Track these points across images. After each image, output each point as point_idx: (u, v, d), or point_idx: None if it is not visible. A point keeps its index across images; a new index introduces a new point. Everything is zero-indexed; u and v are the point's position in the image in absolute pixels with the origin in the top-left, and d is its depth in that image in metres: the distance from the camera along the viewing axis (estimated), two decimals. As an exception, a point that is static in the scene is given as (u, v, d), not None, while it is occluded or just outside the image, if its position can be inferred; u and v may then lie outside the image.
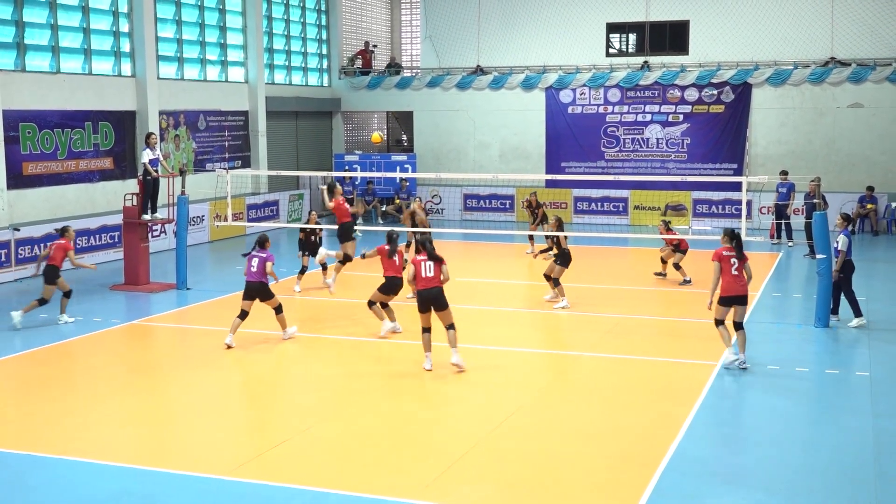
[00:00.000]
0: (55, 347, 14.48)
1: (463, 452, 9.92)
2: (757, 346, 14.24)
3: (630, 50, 30.83)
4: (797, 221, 24.33)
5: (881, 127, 27.50)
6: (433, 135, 31.75)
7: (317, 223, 19.18)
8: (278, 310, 14.66)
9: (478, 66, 31.41)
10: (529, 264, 21.97)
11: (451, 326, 12.86)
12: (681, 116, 29.17)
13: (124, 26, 23.65)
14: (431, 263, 12.81)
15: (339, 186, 18.60)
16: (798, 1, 28.21)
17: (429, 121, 31.78)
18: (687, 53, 29.62)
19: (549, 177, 24.94)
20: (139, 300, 18.04)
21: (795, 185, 24.17)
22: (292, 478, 9.29)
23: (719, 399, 11.88)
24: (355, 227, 18.47)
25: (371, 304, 14.71)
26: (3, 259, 19.53)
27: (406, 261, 19.38)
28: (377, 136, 20.28)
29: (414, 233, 17.88)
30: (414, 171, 29.71)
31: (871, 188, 26.76)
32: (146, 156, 18.84)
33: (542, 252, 19.35)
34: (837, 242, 15.36)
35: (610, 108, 29.82)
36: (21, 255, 19.91)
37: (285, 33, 30.81)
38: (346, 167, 30.13)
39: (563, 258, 17.05)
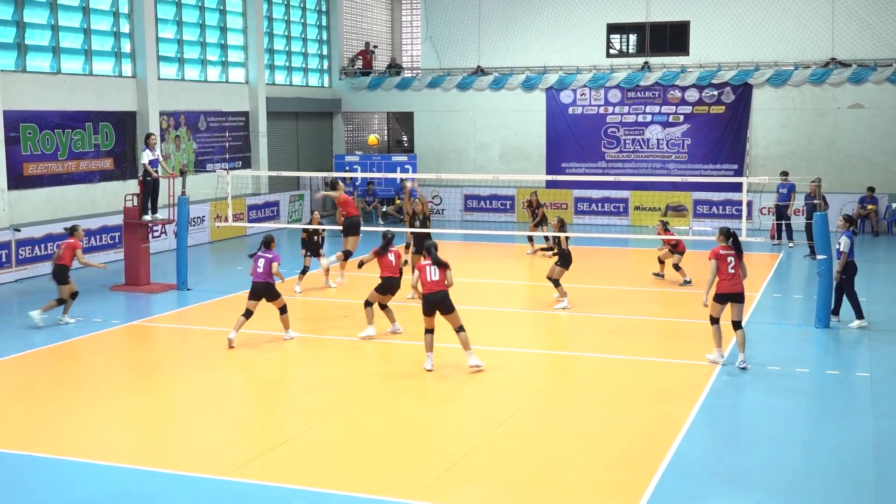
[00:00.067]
0: (55, 348, 14.48)
1: (463, 453, 9.92)
2: (757, 347, 14.25)
3: (630, 50, 30.83)
4: (798, 222, 24.33)
5: (882, 128, 27.50)
6: (434, 135, 31.75)
7: (319, 223, 19.19)
8: (283, 310, 14.70)
9: (478, 66, 31.42)
10: (530, 265, 21.99)
11: (460, 329, 12.88)
12: (681, 117, 29.18)
13: (125, 27, 23.66)
14: (436, 268, 12.83)
15: (340, 183, 18.59)
16: (799, 1, 28.21)
17: (429, 121, 31.79)
18: (687, 54, 29.62)
19: (550, 177, 24.98)
20: (140, 301, 18.05)
21: (796, 185, 24.17)
22: (293, 478, 9.29)
23: (719, 399, 11.88)
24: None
25: (367, 304, 14.70)
26: (3, 260, 19.54)
27: (405, 261, 19.39)
28: (373, 138, 20.20)
29: (412, 233, 17.85)
30: (414, 171, 29.70)
31: (871, 189, 26.76)
32: (146, 157, 18.86)
33: (542, 250, 19.35)
34: (840, 244, 15.35)
35: (610, 109, 29.82)
36: (22, 255, 19.91)
37: (286, 34, 30.82)
38: (347, 168, 30.13)
39: (564, 259, 17.04)
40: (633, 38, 30.90)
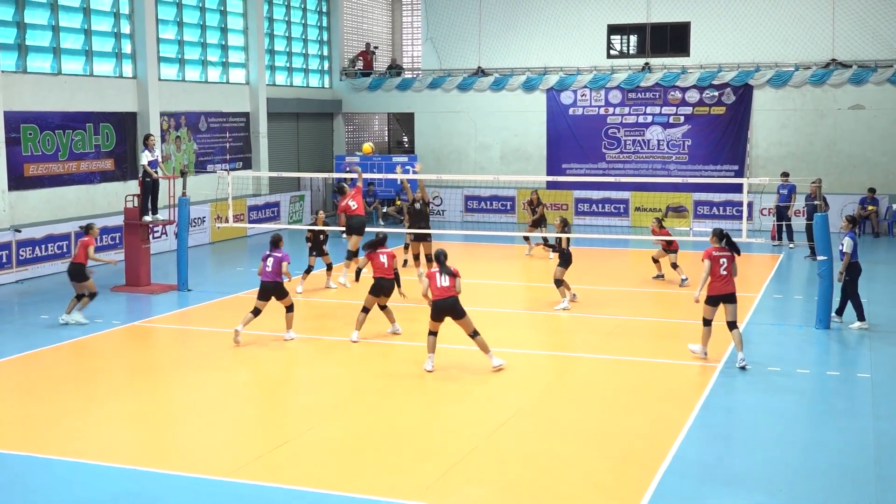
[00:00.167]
0: (56, 349, 14.48)
1: (464, 453, 9.92)
2: (758, 348, 14.25)
3: (631, 51, 30.83)
4: (798, 223, 24.33)
5: (882, 128, 27.50)
6: (434, 136, 31.75)
7: (325, 224, 19.21)
8: (289, 309, 14.77)
9: (479, 67, 31.42)
10: (530, 266, 21.98)
11: (475, 333, 12.92)
12: (682, 118, 29.18)
13: (125, 28, 23.67)
14: (446, 275, 12.86)
15: (346, 187, 18.61)
16: (799, 2, 28.21)
17: (430, 122, 31.79)
18: (688, 55, 29.62)
19: (550, 178, 24.96)
20: (140, 301, 18.05)
21: (796, 186, 24.16)
22: (293, 479, 9.29)
23: (720, 401, 11.87)
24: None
25: (364, 309, 14.68)
26: (4, 260, 19.54)
27: (405, 262, 19.37)
28: (368, 147, 20.17)
29: (413, 216, 17.94)
30: (415, 172, 29.64)
31: (872, 190, 26.75)
32: (145, 158, 18.88)
33: (544, 245, 19.43)
34: (842, 244, 15.35)
35: (611, 110, 29.82)
36: (22, 256, 19.92)
37: (286, 35, 30.83)
38: (347, 169, 30.12)
39: (564, 259, 17.06)
40: (633, 38, 30.90)
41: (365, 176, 25.94)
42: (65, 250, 20.89)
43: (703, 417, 11.18)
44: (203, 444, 10.46)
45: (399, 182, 29.27)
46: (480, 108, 31.16)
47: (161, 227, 22.20)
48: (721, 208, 28.18)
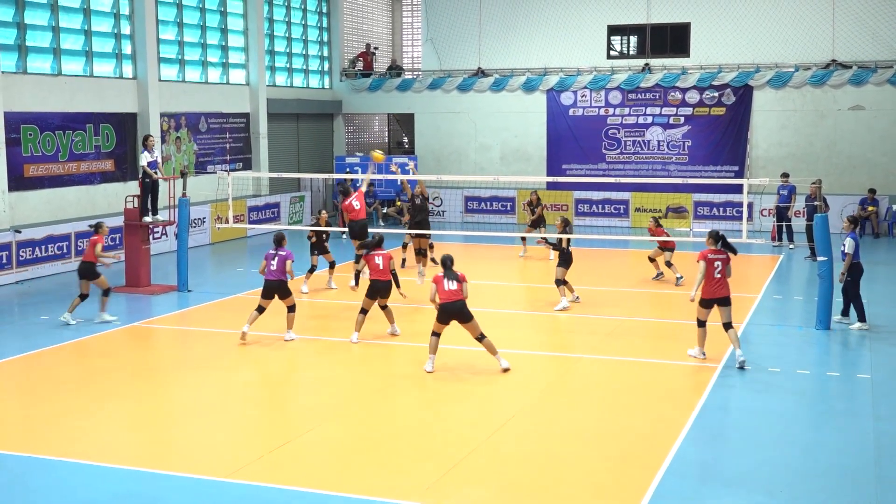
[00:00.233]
0: (56, 349, 14.48)
1: (464, 454, 9.92)
2: (758, 349, 14.26)
3: (631, 52, 30.83)
4: (798, 224, 24.34)
5: (882, 129, 27.50)
6: (434, 137, 31.76)
7: (327, 223, 19.22)
8: (291, 309, 14.81)
9: (479, 68, 31.42)
10: (529, 266, 21.97)
11: (482, 336, 12.92)
12: (682, 119, 29.18)
13: (125, 28, 23.68)
14: (453, 279, 12.86)
15: (350, 189, 18.63)
16: (799, 3, 28.21)
17: (430, 123, 31.79)
18: (688, 56, 29.62)
19: (550, 179, 24.96)
20: (140, 302, 18.05)
21: (796, 187, 24.17)
22: (294, 480, 9.30)
23: (720, 401, 11.88)
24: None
25: (362, 311, 14.69)
26: (4, 261, 19.54)
27: (403, 261, 19.35)
28: (378, 155, 20.16)
29: (413, 211, 18.00)
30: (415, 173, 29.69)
31: (872, 190, 26.76)
32: (144, 159, 18.90)
33: (545, 244, 19.50)
34: (844, 245, 15.36)
35: (611, 111, 29.82)
36: (22, 257, 19.92)
37: (286, 35, 30.83)
38: (347, 169, 30.14)
39: (564, 259, 17.10)
40: (633, 39, 30.91)
41: (365, 177, 25.96)
42: (65, 251, 20.90)
43: (703, 418, 11.18)
44: (203, 444, 10.46)
45: (399, 182, 29.34)
46: (480, 108, 31.17)
47: (161, 227, 22.19)
48: (721, 209, 28.18)
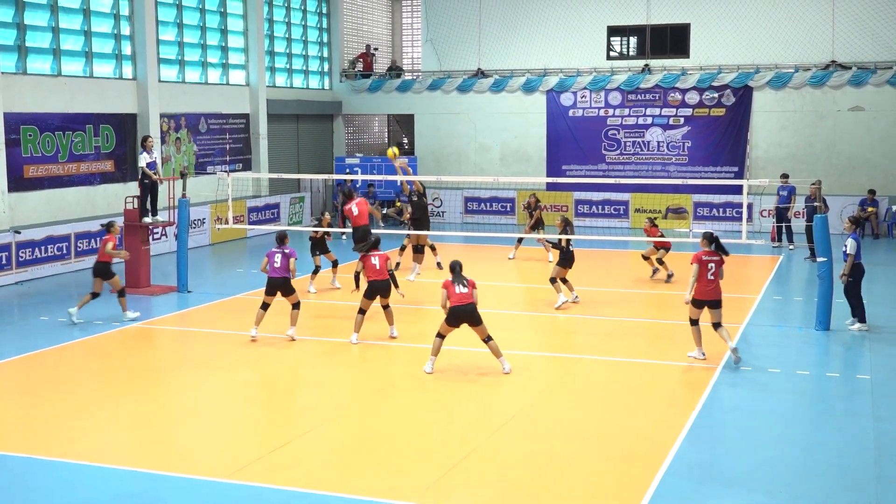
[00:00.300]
0: (56, 350, 14.48)
1: (463, 455, 9.92)
2: (758, 349, 14.26)
3: (631, 53, 30.84)
4: (798, 224, 24.35)
5: (882, 130, 27.51)
6: (434, 138, 31.76)
7: (329, 225, 19.24)
8: (296, 306, 14.90)
9: (479, 69, 31.43)
10: (529, 267, 21.96)
11: (489, 338, 12.93)
12: (681, 119, 29.18)
13: (125, 29, 23.68)
14: (463, 284, 12.86)
15: (354, 193, 18.60)
16: (799, 4, 28.22)
17: (430, 124, 31.79)
18: (688, 56, 29.62)
19: (550, 180, 24.93)
20: (140, 303, 18.03)
21: (796, 188, 24.17)
22: (293, 481, 9.30)
23: (720, 402, 11.88)
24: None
25: (360, 311, 14.70)
26: (4, 262, 19.54)
27: (397, 264, 19.36)
28: (394, 154, 20.18)
29: (414, 207, 18.05)
30: (415, 173, 29.67)
31: (872, 191, 26.76)
32: (143, 159, 18.91)
33: (546, 244, 19.63)
34: (846, 246, 15.36)
35: (611, 111, 29.83)
36: (22, 258, 19.91)
37: (286, 36, 30.84)
38: (347, 170, 30.15)
39: (564, 259, 17.16)
40: (633, 40, 30.91)
41: (364, 177, 26.05)
42: (64, 252, 20.89)
43: (703, 418, 11.18)
44: (203, 445, 10.46)
45: (399, 183, 29.35)
46: (480, 109, 31.17)
47: (161, 228, 22.19)
48: (721, 210, 28.19)
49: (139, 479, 9.35)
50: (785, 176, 24.71)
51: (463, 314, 12.76)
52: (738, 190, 26.28)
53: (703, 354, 13.55)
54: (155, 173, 19.04)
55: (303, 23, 31.64)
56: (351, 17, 33.56)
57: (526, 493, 9.02)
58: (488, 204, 30.59)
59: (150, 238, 20.21)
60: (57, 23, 21.77)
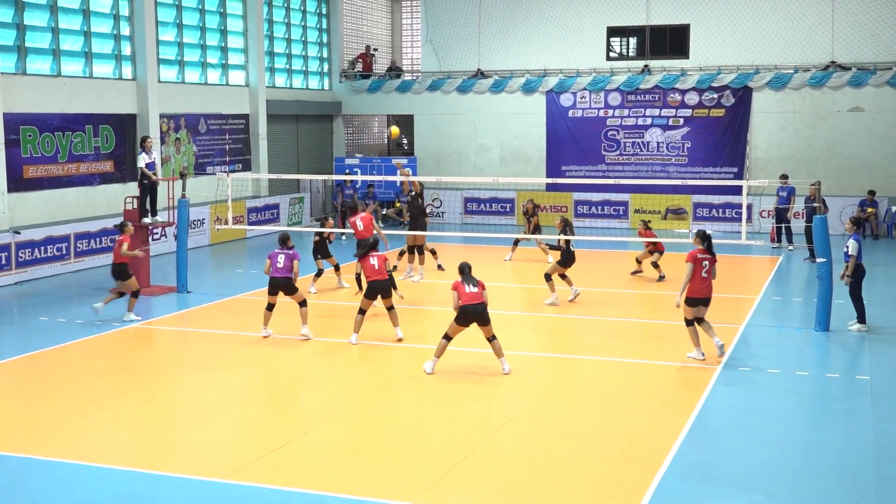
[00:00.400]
0: (56, 350, 14.48)
1: (463, 455, 9.92)
2: (757, 350, 14.27)
3: (630, 54, 30.85)
4: (797, 225, 24.36)
5: (881, 131, 27.52)
6: (433, 138, 31.77)
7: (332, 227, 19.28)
8: (303, 304, 14.98)
9: (478, 69, 31.43)
10: (528, 267, 21.96)
11: (493, 338, 12.95)
12: (681, 120, 29.19)
13: (125, 30, 23.68)
14: (473, 284, 12.88)
15: (358, 206, 18.61)
16: (799, 5, 28.23)
17: (429, 124, 31.80)
18: (687, 57, 29.63)
19: (550, 180, 24.92)
20: (140, 303, 17.99)
21: (796, 188, 24.18)
22: (293, 481, 9.30)
23: (719, 402, 11.88)
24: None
25: (360, 311, 14.72)
26: (3, 262, 19.53)
27: (394, 266, 19.37)
28: (396, 132, 20.27)
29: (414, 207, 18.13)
30: (414, 174, 29.68)
31: (872, 192, 26.76)
32: (142, 160, 18.92)
33: (544, 246, 19.70)
34: (848, 247, 15.37)
35: (610, 112, 29.83)
36: (21, 258, 19.91)
37: (286, 37, 30.84)
38: (347, 171, 30.15)
39: (565, 259, 17.22)
40: (633, 41, 30.92)
41: (364, 178, 26.04)
42: (64, 252, 20.89)
43: (703, 418, 11.18)
44: (203, 445, 10.46)
45: (399, 184, 29.35)
46: (480, 110, 31.18)
47: (160, 228, 22.19)
48: (720, 210, 28.19)
49: (139, 480, 9.35)
50: (784, 177, 24.72)
51: (474, 313, 12.76)
52: (737, 191, 26.27)
53: (703, 355, 13.57)
54: (154, 174, 19.04)
55: (302, 23, 31.64)
56: (350, 18, 33.56)
57: (526, 493, 9.02)
58: (488, 204, 30.60)
59: (150, 238, 20.21)
60: (57, 23, 21.77)
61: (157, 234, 22.84)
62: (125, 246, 16.30)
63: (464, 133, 31.41)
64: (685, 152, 29.19)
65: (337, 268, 19.17)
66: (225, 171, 24.99)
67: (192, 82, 26.44)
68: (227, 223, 19.89)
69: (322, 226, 19.29)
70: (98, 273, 20.73)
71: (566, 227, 17.30)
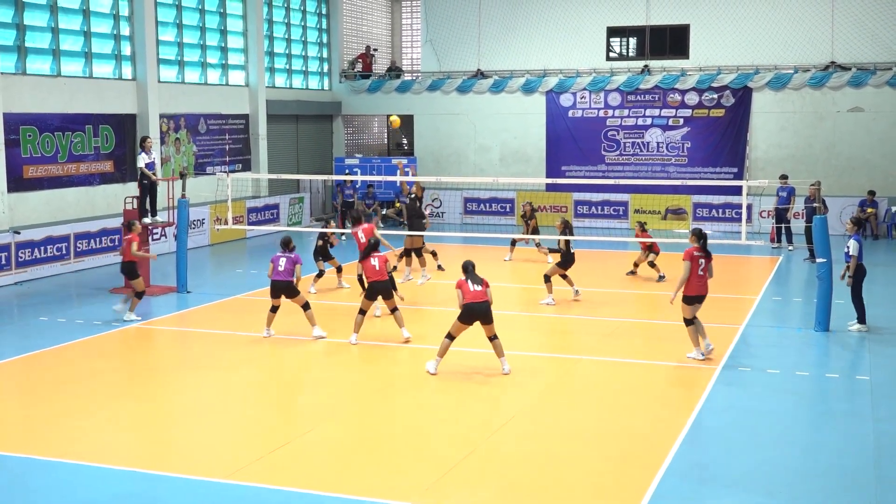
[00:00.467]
0: (56, 350, 14.47)
1: (463, 456, 9.92)
2: (757, 350, 14.27)
3: (630, 54, 30.85)
4: (797, 225, 24.36)
5: (881, 131, 27.52)
6: (433, 138, 31.77)
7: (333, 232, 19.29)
8: (306, 307, 15.00)
9: (478, 69, 31.44)
10: (528, 268, 21.96)
11: (494, 337, 12.96)
12: (681, 120, 29.20)
13: (125, 30, 23.68)
14: (477, 283, 12.87)
15: (363, 218, 18.54)
16: (798, 5, 28.23)
17: (429, 124, 31.80)
18: (687, 57, 29.63)
19: (550, 180, 24.91)
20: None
21: (795, 188, 24.18)
22: (292, 481, 9.29)
23: (719, 402, 11.87)
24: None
25: (361, 312, 14.73)
26: (3, 262, 19.53)
27: (394, 267, 19.37)
28: (397, 121, 20.28)
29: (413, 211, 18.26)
30: (414, 174, 29.69)
31: (872, 192, 26.77)
32: (142, 160, 18.94)
33: (543, 249, 19.75)
34: (849, 247, 15.38)
35: (610, 112, 29.84)
36: (21, 258, 19.91)
37: (286, 37, 30.84)
38: (347, 171, 30.15)
39: (565, 260, 17.21)
40: (632, 41, 30.92)
41: (364, 178, 26.01)
42: (64, 252, 20.89)
43: (703, 418, 11.19)
44: (203, 445, 10.46)
45: (398, 184, 29.34)
46: (480, 110, 31.18)
47: (160, 228, 22.18)
48: (720, 210, 28.20)
49: (138, 480, 9.35)
50: (784, 177, 24.72)
51: (478, 311, 12.77)
52: (737, 191, 26.27)
53: (703, 355, 13.58)
54: (153, 174, 19.04)
55: (302, 23, 31.65)
56: (350, 18, 33.57)
57: (526, 493, 9.02)
58: (488, 205, 30.60)
59: (150, 238, 20.20)
60: (56, 23, 21.77)
61: (156, 234, 22.83)
62: (135, 245, 16.31)
63: (464, 133, 31.41)
64: (685, 152, 29.20)
65: (339, 269, 19.20)
66: (225, 172, 24.98)
67: (192, 82, 26.44)
68: (226, 223, 19.89)
69: (325, 226, 19.29)
70: (98, 273, 20.74)
71: (566, 228, 17.31)
